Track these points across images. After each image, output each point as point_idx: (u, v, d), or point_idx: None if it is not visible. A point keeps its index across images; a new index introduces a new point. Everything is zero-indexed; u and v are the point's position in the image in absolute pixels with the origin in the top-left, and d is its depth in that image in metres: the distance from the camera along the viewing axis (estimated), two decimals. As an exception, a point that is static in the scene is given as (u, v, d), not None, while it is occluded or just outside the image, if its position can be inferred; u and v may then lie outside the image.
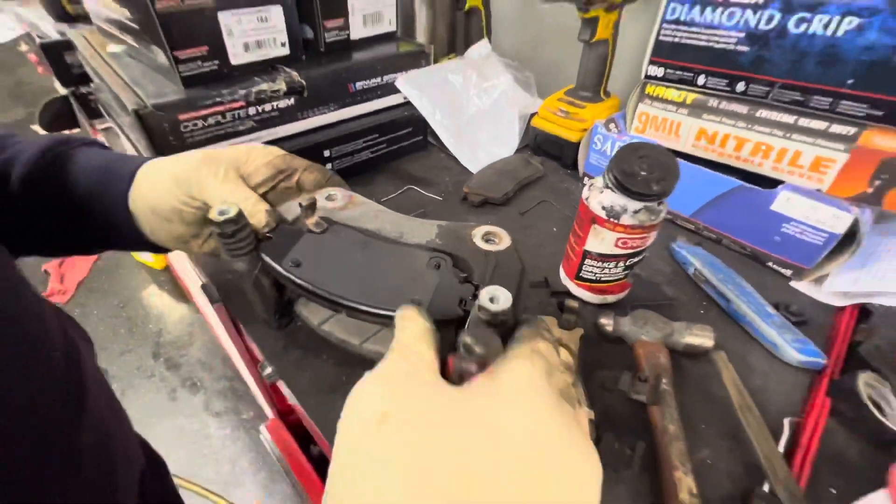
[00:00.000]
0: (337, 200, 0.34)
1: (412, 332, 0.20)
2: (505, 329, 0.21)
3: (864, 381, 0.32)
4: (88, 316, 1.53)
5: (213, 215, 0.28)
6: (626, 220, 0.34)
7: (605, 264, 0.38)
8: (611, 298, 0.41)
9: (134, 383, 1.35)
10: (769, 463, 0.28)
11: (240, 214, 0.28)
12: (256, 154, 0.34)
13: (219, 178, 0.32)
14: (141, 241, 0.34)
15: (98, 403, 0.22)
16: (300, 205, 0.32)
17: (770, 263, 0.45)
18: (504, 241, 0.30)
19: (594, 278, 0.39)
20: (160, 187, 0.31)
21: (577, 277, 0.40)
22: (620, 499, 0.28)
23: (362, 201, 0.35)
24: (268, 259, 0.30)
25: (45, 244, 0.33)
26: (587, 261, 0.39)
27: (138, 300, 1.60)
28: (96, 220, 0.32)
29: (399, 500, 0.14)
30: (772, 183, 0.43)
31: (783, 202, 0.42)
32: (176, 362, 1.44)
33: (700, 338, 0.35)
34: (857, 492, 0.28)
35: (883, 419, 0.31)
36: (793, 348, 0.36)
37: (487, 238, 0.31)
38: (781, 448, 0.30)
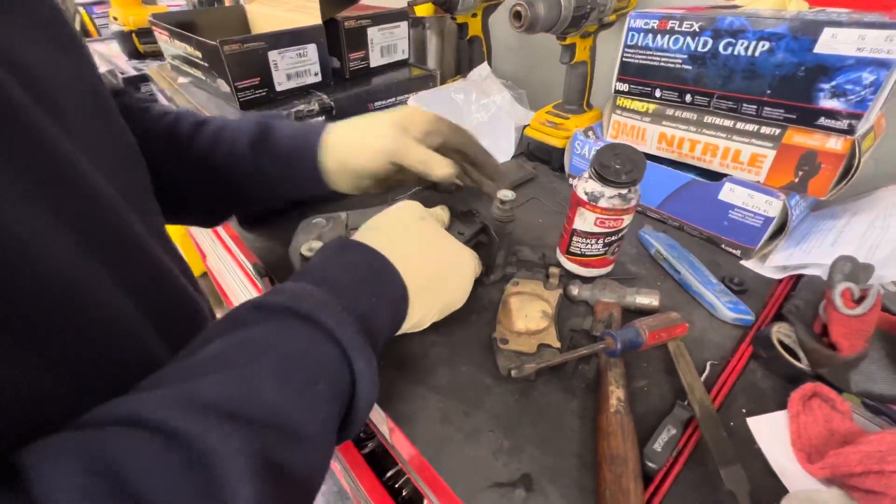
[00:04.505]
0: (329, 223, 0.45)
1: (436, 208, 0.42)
2: (512, 215, 0.44)
3: (776, 330, 0.40)
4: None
5: (306, 252, 0.38)
6: (602, 203, 0.43)
7: (588, 241, 0.46)
8: (594, 272, 0.49)
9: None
10: (690, 386, 0.36)
11: None
12: (418, 118, 0.41)
13: (413, 146, 0.40)
14: (321, 189, 0.44)
15: None
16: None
17: (723, 245, 0.53)
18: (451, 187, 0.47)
19: (580, 252, 0.47)
20: (362, 156, 0.40)
21: (568, 252, 0.49)
22: (573, 408, 0.36)
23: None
24: None
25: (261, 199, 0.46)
26: (574, 238, 0.47)
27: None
28: (296, 175, 0.43)
29: (419, 248, 0.35)
30: (722, 177, 0.51)
31: (727, 192, 0.50)
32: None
33: (648, 298, 0.43)
34: (764, 412, 0.36)
35: (790, 359, 0.38)
36: (727, 308, 0.43)
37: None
38: (702, 380, 0.38)
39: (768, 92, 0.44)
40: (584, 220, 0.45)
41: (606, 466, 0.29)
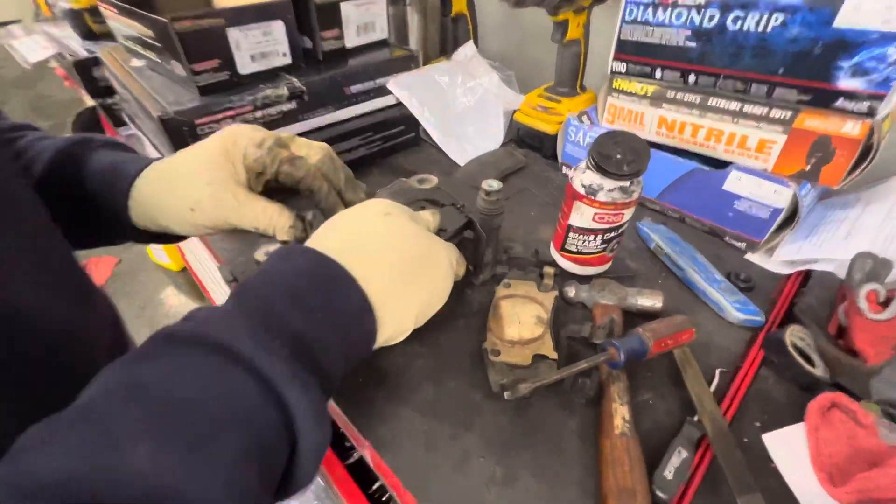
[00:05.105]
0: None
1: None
2: (500, 208, 0.40)
3: (791, 333, 0.36)
4: (113, 315, 1.62)
5: (260, 257, 0.33)
6: (601, 196, 0.39)
7: (585, 237, 0.42)
8: (591, 270, 0.45)
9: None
10: (699, 399, 0.33)
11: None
12: (244, 143, 0.34)
13: (242, 207, 0.33)
14: (143, 237, 0.37)
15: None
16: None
17: (727, 238, 0.50)
18: (433, 180, 0.43)
19: (576, 250, 0.44)
20: (178, 216, 0.33)
21: (563, 249, 0.45)
22: (573, 427, 0.33)
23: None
24: None
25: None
26: (570, 234, 0.43)
27: (158, 301, 1.68)
28: (102, 218, 0.35)
29: (382, 245, 0.29)
30: (726, 165, 0.47)
31: (733, 181, 0.46)
32: (195, 357, 1.52)
33: (651, 300, 0.40)
34: (779, 425, 0.33)
35: (805, 365, 0.35)
36: (734, 308, 0.40)
37: (421, 181, 0.44)
38: (712, 390, 0.35)
39: (781, 71, 0.40)
40: (582, 216, 0.41)
41: (613, 501, 0.26)
